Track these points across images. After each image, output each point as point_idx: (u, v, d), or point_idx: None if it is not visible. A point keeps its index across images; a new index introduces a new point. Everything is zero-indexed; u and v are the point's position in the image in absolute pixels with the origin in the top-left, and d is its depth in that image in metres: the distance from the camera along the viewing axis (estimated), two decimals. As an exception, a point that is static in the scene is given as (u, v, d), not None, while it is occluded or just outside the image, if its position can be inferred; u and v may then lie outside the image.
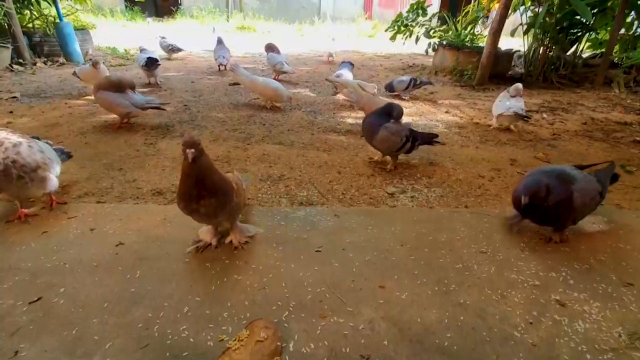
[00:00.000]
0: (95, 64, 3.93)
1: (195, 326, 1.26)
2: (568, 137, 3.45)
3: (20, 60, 5.57)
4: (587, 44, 6.25)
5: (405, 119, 3.24)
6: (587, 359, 1.20)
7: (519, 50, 6.27)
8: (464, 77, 5.86)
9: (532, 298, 1.44)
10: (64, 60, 5.99)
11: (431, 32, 7.24)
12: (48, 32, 6.05)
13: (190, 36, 10.26)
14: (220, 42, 5.81)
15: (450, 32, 6.97)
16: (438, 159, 2.80)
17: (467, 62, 5.97)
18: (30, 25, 6.10)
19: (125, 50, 7.19)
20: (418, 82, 4.56)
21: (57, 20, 5.97)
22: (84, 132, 3.06)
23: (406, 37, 7.51)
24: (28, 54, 5.71)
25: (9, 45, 5.40)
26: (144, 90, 4.39)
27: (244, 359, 1.11)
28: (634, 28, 6.04)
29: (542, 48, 5.75)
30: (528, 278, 1.55)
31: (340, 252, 1.67)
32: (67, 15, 6.62)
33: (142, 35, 9.27)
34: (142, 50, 5.03)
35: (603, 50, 5.86)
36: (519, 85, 3.50)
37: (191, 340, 1.21)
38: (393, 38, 7.65)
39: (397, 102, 3.28)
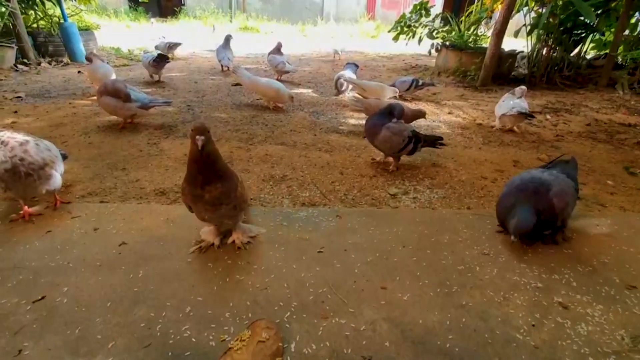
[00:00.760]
0: (89, 58, 3.92)
1: (197, 326, 1.27)
2: (571, 139, 3.44)
3: (25, 60, 5.60)
4: (591, 45, 6.22)
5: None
6: (589, 361, 1.20)
7: (523, 51, 6.26)
8: (467, 78, 5.85)
9: (534, 300, 1.44)
10: (68, 60, 6.03)
11: (434, 33, 7.23)
12: (52, 32, 6.08)
13: (193, 36, 10.29)
14: (227, 40, 5.79)
15: (453, 33, 6.97)
16: (440, 160, 2.79)
17: (470, 63, 5.96)
18: (34, 25, 6.14)
19: (129, 51, 7.23)
20: (420, 83, 4.56)
21: (62, 21, 6.00)
22: (88, 132, 3.07)
23: (409, 38, 7.51)
24: (33, 54, 5.74)
25: (13, 45, 5.44)
26: (148, 90, 4.40)
27: (246, 359, 1.11)
28: (638, 29, 6.02)
29: (545, 49, 5.73)
30: (530, 280, 1.54)
31: (342, 253, 1.67)
32: (72, 15, 6.65)
33: (146, 35, 9.29)
34: (145, 53, 5.13)
35: (607, 51, 5.83)
36: (524, 87, 3.51)
37: (193, 340, 1.22)
38: (396, 39, 7.64)
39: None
